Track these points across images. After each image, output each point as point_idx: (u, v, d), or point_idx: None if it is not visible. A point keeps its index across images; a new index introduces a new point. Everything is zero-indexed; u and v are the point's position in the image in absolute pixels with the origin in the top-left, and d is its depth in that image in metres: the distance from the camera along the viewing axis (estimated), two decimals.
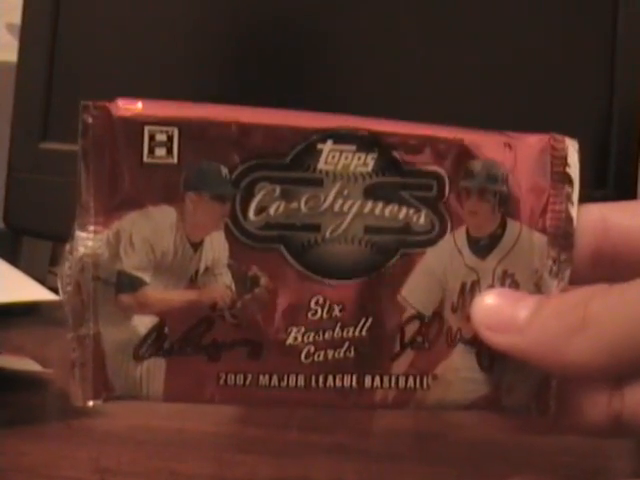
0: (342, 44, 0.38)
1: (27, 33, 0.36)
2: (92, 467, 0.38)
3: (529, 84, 0.38)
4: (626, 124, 0.38)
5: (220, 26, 0.37)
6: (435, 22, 0.38)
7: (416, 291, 0.29)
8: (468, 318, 0.30)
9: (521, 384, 0.30)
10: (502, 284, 0.30)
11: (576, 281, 0.29)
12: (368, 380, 0.29)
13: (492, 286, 0.30)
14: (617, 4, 0.38)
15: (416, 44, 0.38)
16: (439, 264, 0.29)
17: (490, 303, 0.29)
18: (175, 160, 0.27)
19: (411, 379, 0.29)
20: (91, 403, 0.28)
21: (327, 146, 0.28)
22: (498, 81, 0.38)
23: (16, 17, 0.37)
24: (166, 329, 0.28)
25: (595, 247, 0.30)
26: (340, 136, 0.28)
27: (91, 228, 0.27)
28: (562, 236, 0.30)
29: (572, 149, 0.30)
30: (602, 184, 0.38)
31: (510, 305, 0.29)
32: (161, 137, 0.27)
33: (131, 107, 0.27)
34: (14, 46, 0.37)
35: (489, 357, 0.30)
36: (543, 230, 0.30)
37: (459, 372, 0.30)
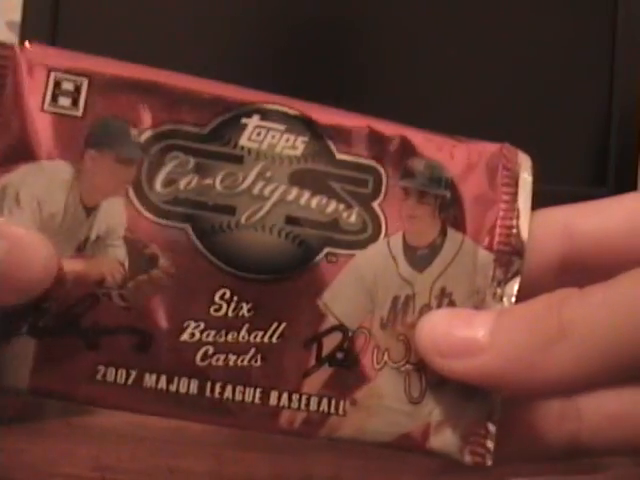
0: (360, 44, 0.37)
1: (27, 31, 0.35)
2: (92, 464, 0.37)
3: (529, 84, 0.37)
4: (626, 123, 0.36)
5: (225, 25, 0.36)
6: (435, 23, 0.37)
7: (340, 298, 0.25)
8: (399, 337, 0.26)
9: (454, 422, 0.26)
10: (439, 303, 0.26)
11: (541, 292, 0.25)
12: (274, 397, 0.25)
13: (428, 305, 0.26)
14: (617, 4, 0.37)
15: (416, 44, 0.37)
16: (369, 271, 0.26)
17: (439, 325, 0.25)
18: (80, 112, 0.24)
19: (325, 401, 0.25)
20: None
21: (253, 121, 0.25)
22: (498, 81, 0.37)
23: (16, 15, 0.35)
24: (45, 304, 0.24)
25: (561, 254, 0.27)
26: (269, 112, 0.25)
27: None
28: (510, 256, 0.26)
29: (525, 163, 0.27)
30: (602, 183, 0.35)
31: (463, 324, 0.25)
32: (68, 86, 0.24)
33: (41, 51, 0.24)
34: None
35: (420, 386, 0.26)
36: (489, 247, 0.27)
37: (383, 400, 0.25)
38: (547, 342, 0.24)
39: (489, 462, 0.26)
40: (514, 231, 0.27)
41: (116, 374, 0.24)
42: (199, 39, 0.37)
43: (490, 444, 0.26)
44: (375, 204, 0.26)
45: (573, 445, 0.26)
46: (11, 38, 0.41)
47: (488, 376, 0.24)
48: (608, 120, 0.36)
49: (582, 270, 0.26)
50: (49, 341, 0.24)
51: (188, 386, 0.24)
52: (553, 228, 0.27)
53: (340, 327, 0.25)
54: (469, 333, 0.25)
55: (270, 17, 0.37)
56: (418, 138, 0.27)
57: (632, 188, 0.36)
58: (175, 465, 0.38)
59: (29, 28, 0.35)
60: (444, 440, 0.26)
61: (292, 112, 0.26)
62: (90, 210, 0.24)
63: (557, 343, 0.24)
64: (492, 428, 0.26)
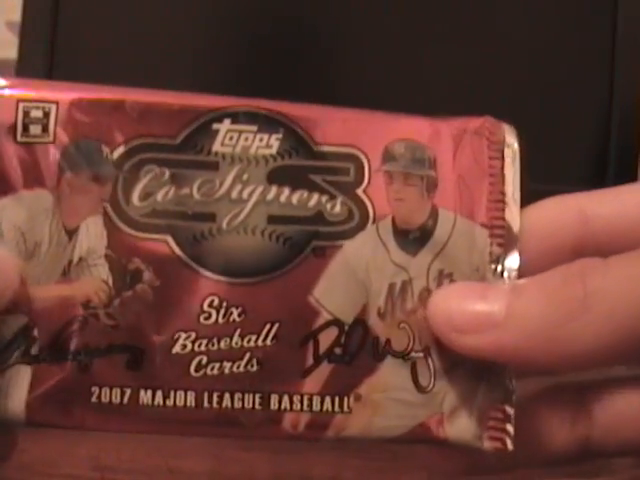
0: (344, 38, 0.37)
1: (27, 31, 0.36)
2: (92, 464, 0.37)
3: (528, 83, 0.36)
4: (626, 123, 0.35)
5: (223, 26, 0.36)
6: (434, 21, 0.36)
7: (332, 292, 0.24)
8: (400, 325, 0.25)
9: (469, 408, 0.24)
10: (439, 285, 0.25)
11: None
12: (274, 400, 0.24)
13: (427, 288, 0.25)
14: (617, 4, 0.36)
15: (415, 42, 0.36)
16: (360, 260, 0.25)
17: (452, 299, 0.24)
18: (51, 138, 0.24)
19: (328, 400, 0.24)
20: None
21: (224, 126, 0.25)
22: (497, 81, 0.36)
23: (16, 15, 0.36)
24: (35, 331, 0.24)
25: (576, 239, 0.26)
26: (239, 115, 0.25)
27: None
28: (504, 230, 0.25)
29: (509, 132, 0.26)
30: (602, 183, 0.34)
31: (478, 298, 0.24)
32: (37, 114, 0.25)
33: (6, 83, 0.25)
34: (14, 44, 0.37)
35: (428, 374, 0.24)
36: (483, 223, 0.25)
37: (388, 392, 0.24)
38: (568, 315, 0.23)
39: (510, 446, 0.24)
40: (505, 204, 0.25)
41: (111, 394, 0.24)
42: (200, 37, 0.37)
43: (510, 427, 0.24)
44: (359, 191, 0.25)
45: (585, 446, 0.25)
46: (11, 38, 0.42)
47: (505, 351, 0.23)
48: (608, 120, 0.35)
49: (596, 255, 0.25)
50: (42, 368, 0.24)
51: (185, 399, 0.24)
52: (568, 213, 0.26)
53: (335, 322, 0.24)
54: (484, 307, 0.23)
55: (247, 17, 0.37)
56: (396, 121, 0.26)
57: None
58: (175, 465, 0.37)
59: (29, 28, 0.36)
60: (460, 427, 0.24)
61: (263, 112, 0.25)
62: (71, 233, 0.24)
63: (580, 316, 0.23)
64: (510, 410, 0.24)
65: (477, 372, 0.25)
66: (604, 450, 0.25)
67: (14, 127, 0.24)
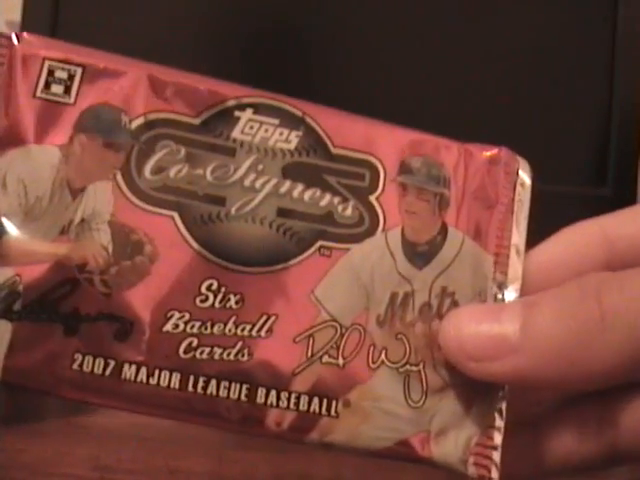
0: (344, 41, 0.37)
1: (27, 31, 0.35)
2: (92, 464, 0.36)
3: (528, 84, 0.36)
4: (626, 123, 0.35)
5: (223, 27, 0.36)
6: (434, 21, 0.37)
7: (333, 293, 0.24)
8: (397, 336, 0.24)
9: (456, 430, 0.24)
10: (440, 303, 0.25)
11: None
12: (261, 394, 0.23)
13: (428, 304, 0.24)
14: (617, 4, 0.37)
15: (413, 44, 0.36)
16: (365, 265, 0.24)
17: (464, 324, 0.24)
18: (72, 100, 0.24)
19: (316, 401, 0.23)
20: None
21: (246, 114, 0.25)
22: (497, 81, 0.36)
23: (16, 15, 0.36)
24: (21, 287, 0.23)
25: (604, 262, 0.26)
26: (262, 107, 0.25)
27: None
28: (509, 259, 0.25)
29: (523, 168, 0.26)
30: (602, 183, 0.34)
31: (490, 320, 0.23)
32: (61, 74, 0.24)
33: (37, 40, 0.25)
34: None
35: (421, 389, 0.24)
36: (489, 249, 0.25)
37: (379, 402, 0.23)
38: (586, 335, 0.22)
39: (495, 476, 0.23)
40: (512, 234, 0.25)
41: (94, 363, 0.23)
42: (200, 38, 0.37)
43: (496, 455, 0.24)
44: (372, 198, 0.25)
45: (612, 453, 0.24)
46: None
47: (523, 376, 0.23)
48: (608, 120, 0.36)
49: None
50: (26, 325, 0.22)
51: (169, 379, 0.23)
52: (593, 237, 0.26)
53: (333, 323, 0.24)
54: (498, 330, 0.23)
55: (240, 16, 0.37)
56: (416, 137, 0.26)
57: (632, 188, 0.35)
58: (175, 465, 0.36)
59: (29, 28, 0.36)
60: (445, 449, 0.24)
61: (286, 107, 0.25)
62: (76, 193, 0.23)
63: (598, 336, 0.22)
64: (498, 438, 0.24)
65: (470, 394, 0.24)
66: (631, 455, 0.24)
67: (36, 82, 0.24)
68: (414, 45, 0.38)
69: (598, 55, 0.38)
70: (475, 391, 0.24)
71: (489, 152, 0.26)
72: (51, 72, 0.24)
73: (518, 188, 0.26)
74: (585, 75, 0.38)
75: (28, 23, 0.36)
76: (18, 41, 0.24)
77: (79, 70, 0.24)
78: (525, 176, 0.26)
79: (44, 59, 0.24)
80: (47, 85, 0.24)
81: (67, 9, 0.36)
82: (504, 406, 0.24)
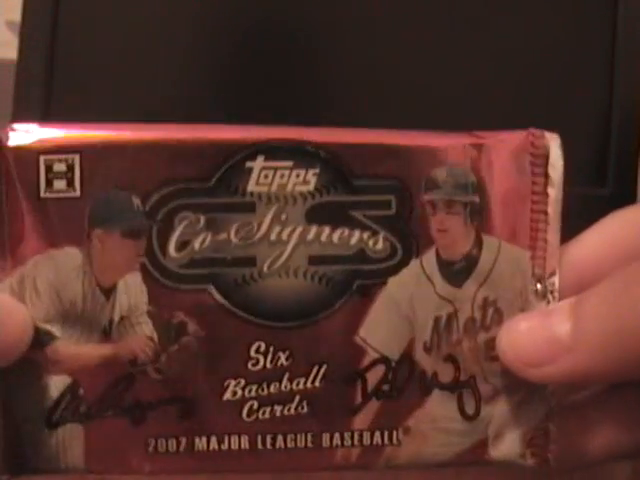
0: (337, 46, 0.35)
1: (27, 31, 0.34)
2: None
3: (528, 84, 0.35)
4: (626, 123, 0.35)
5: (222, 29, 0.34)
6: (432, 21, 0.35)
7: (377, 330, 0.24)
8: (445, 359, 0.25)
9: (512, 430, 0.25)
10: (484, 315, 0.25)
11: None
12: (326, 439, 0.25)
13: (472, 318, 0.25)
14: (617, 4, 0.35)
15: (412, 45, 0.35)
16: (404, 296, 0.24)
17: (517, 336, 0.24)
18: (77, 193, 0.23)
19: (378, 434, 0.25)
20: (4, 478, 0.24)
21: (258, 163, 0.24)
22: (497, 81, 0.35)
23: (16, 15, 0.34)
24: (81, 390, 0.24)
25: None
26: (272, 150, 0.24)
27: None
28: (546, 251, 0.25)
29: (554, 145, 0.25)
30: (602, 183, 0.34)
31: (541, 327, 0.24)
32: (60, 167, 0.23)
33: (24, 135, 0.23)
34: (14, 44, 0.35)
35: (473, 402, 0.25)
36: (524, 244, 0.25)
37: (436, 423, 0.25)
38: (636, 325, 0.22)
39: (552, 462, 0.25)
40: (547, 224, 0.25)
41: (167, 444, 0.24)
42: (200, 38, 0.35)
43: (552, 444, 0.25)
44: (402, 224, 0.24)
45: None
46: (11, 38, 0.40)
47: (580, 374, 0.23)
48: (608, 120, 0.34)
49: None
50: (95, 424, 0.24)
51: (239, 443, 0.24)
52: (633, 227, 0.25)
53: (382, 359, 0.24)
54: (550, 333, 0.23)
55: (235, 21, 0.35)
56: (433, 143, 0.24)
57: (632, 188, 0.34)
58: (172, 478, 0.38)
59: (29, 28, 0.34)
60: (504, 449, 0.25)
61: (297, 145, 0.24)
62: (108, 291, 0.23)
63: None
64: (552, 427, 0.25)
65: (520, 394, 0.25)
66: None
67: (37, 183, 0.23)
68: (414, 42, 0.35)
69: (598, 55, 0.34)
70: (525, 390, 0.25)
71: (515, 139, 0.25)
72: (49, 167, 0.23)
73: (549, 171, 0.25)
74: (585, 75, 0.35)
75: (28, 23, 0.33)
76: (6, 139, 0.23)
77: (77, 158, 0.23)
78: (556, 155, 0.25)
79: (38, 154, 0.23)
80: (49, 183, 0.23)
81: (67, 9, 0.33)
82: (554, 398, 0.25)
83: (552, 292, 0.25)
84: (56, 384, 0.24)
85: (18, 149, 0.23)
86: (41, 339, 0.23)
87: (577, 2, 0.35)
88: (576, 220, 0.25)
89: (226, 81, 0.34)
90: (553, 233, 0.25)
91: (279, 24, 0.34)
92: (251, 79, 0.34)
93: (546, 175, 0.25)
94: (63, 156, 0.23)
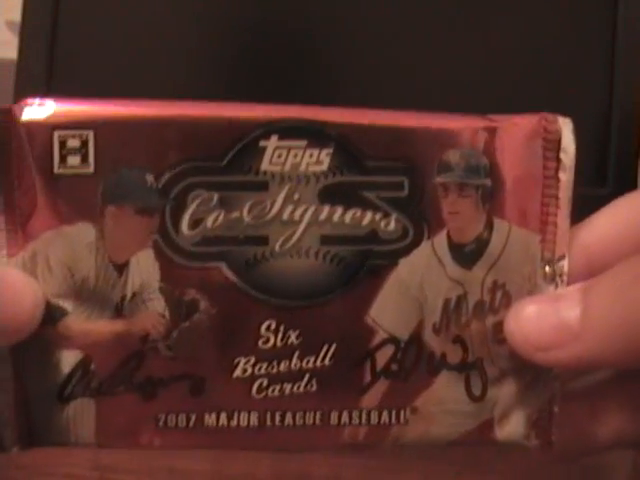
0: (344, 35, 0.35)
1: (27, 31, 0.34)
2: (91, 464, 0.37)
3: (528, 83, 0.35)
4: (626, 123, 0.35)
5: (220, 24, 0.34)
6: (433, 21, 0.35)
7: (388, 311, 0.25)
8: (454, 340, 0.25)
9: (517, 412, 0.25)
10: (492, 298, 0.25)
11: None
12: (334, 416, 0.25)
13: (481, 301, 0.25)
14: (617, 4, 0.35)
15: (414, 42, 0.35)
16: (415, 277, 0.25)
17: (526, 320, 0.24)
18: (91, 169, 0.23)
19: (385, 413, 0.25)
20: (15, 450, 0.24)
21: (271, 143, 0.24)
22: (497, 80, 0.35)
23: (16, 15, 0.34)
24: (93, 365, 0.24)
25: None
26: (286, 130, 0.24)
27: (3, 251, 0.24)
28: (555, 235, 0.25)
29: (566, 130, 0.25)
30: (602, 183, 0.34)
31: (550, 311, 0.24)
32: (74, 143, 0.23)
33: (38, 109, 0.23)
34: (14, 44, 0.35)
35: (480, 384, 0.25)
36: (534, 228, 0.25)
37: (443, 404, 0.25)
38: None
39: (555, 443, 0.25)
40: (558, 208, 0.25)
41: (177, 420, 0.24)
42: (199, 36, 0.35)
43: (555, 426, 0.25)
44: (413, 206, 0.24)
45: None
46: (11, 38, 0.40)
47: (588, 360, 0.23)
48: (608, 120, 0.34)
49: None
50: (106, 400, 0.24)
51: (248, 420, 0.25)
52: None
53: (391, 339, 0.25)
54: (559, 319, 0.24)
55: (235, 16, 0.35)
56: (447, 125, 0.24)
57: (632, 188, 0.34)
58: (175, 465, 0.37)
59: (29, 28, 0.34)
60: (509, 430, 0.25)
61: (312, 124, 0.24)
62: (121, 268, 0.24)
63: None
64: (556, 410, 0.25)
65: (527, 376, 0.25)
66: None
67: (51, 159, 0.23)
68: (414, 42, 0.35)
69: (598, 55, 0.34)
70: (531, 372, 0.25)
71: (528, 123, 0.25)
72: (63, 143, 0.23)
73: (561, 155, 0.25)
74: (585, 75, 0.35)
75: (28, 23, 0.33)
76: (19, 113, 0.23)
77: (91, 134, 0.23)
78: (568, 140, 0.25)
79: (53, 129, 0.23)
80: (62, 159, 0.23)
81: (67, 9, 0.33)
82: (558, 382, 0.25)
83: (561, 275, 0.25)
84: (68, 359, 0.24)
85: (32, 123, 0.23)
86: (53, 315, 0.24)
87: (577, 2, 0.35)
88: (576, 220, 0.25)
89: (229, 72, 0.34)
90: (563, 217, 0.25)
91: (287, 10, 0.34)
92: (257, 62, 0.34)
93: (558, 159, 0.25)
94: (77, 132, 0.23)
